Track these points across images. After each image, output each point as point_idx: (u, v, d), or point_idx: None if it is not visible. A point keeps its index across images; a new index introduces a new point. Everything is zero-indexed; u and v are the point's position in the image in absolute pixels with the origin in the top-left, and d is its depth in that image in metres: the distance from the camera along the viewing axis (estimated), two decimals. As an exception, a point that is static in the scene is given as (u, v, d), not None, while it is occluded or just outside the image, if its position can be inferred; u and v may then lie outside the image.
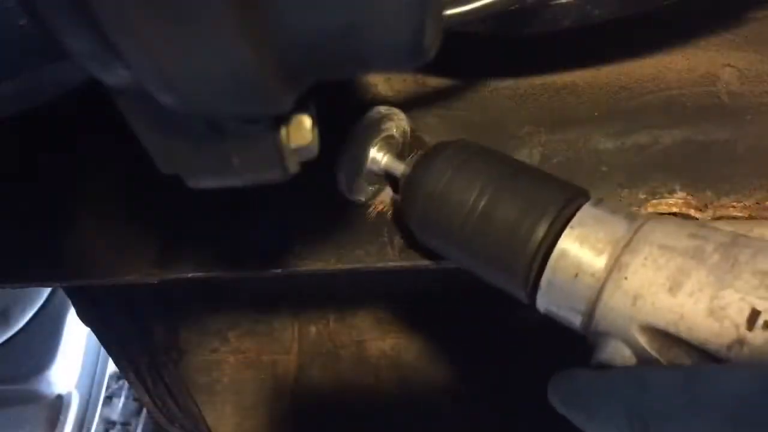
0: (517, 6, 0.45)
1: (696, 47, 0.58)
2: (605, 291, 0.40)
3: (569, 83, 0.60)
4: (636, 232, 0.41)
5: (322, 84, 0.29)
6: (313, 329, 1.05)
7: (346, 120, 0.54)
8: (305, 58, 0.25)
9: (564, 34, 0.50)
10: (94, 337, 1.05)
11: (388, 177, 0.57)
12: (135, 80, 0.26)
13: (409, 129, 0.58)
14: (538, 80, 0.60)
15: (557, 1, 0.47)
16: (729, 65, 0.57)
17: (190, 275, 0.61)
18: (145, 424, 1.80)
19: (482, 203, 0.46)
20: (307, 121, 0.32)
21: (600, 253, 0.41)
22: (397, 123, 0.56)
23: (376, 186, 0.59)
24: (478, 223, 0.46)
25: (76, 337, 1.66)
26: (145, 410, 1.61)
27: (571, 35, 0.50)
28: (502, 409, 0.94)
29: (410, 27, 0.24)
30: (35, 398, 1.60)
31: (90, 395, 1.73)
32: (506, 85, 0.61)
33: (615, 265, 0.40)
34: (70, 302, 1.02)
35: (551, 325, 0.45)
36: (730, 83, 0.57)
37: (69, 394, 1.66)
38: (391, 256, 0.59)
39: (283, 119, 0.32)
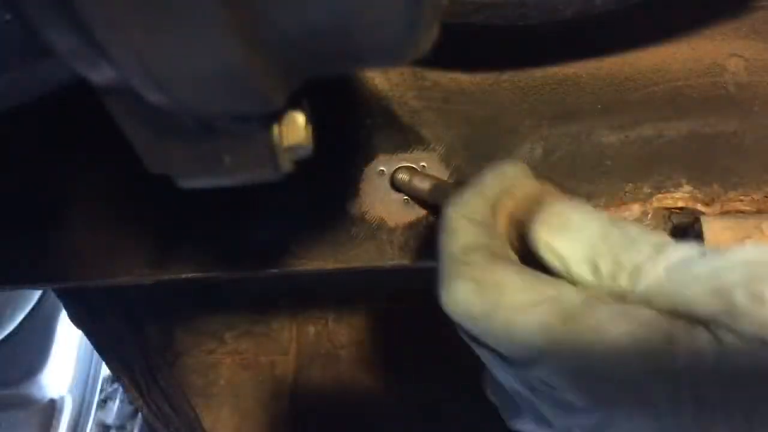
0: (518, -4, 0.44)
1: (701, 36, 0.57)
2: None
3: (571, 75, 0.58)
4: None
5: (316, 80, 0.28)
6: (311, 329, 1.04)
7: (344, 118, 0.53)
8: (297, 54, 0.25)
9: (566, 25, 0.48)
10: (87, 339, 1.04)
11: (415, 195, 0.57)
12: (122, 79, 0.25)
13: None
14: (539, 72, 0.59)
15: (558, -9, 0.46)
16: (736, 55, 0.56)
17: (185, 276, 0.61)
18: (141, 428, 1.80)
19: None
20: (300, 118, 0.32)
21: None
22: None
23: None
24: None
25: (69, 340, 1.65)
26: (140, 413, 1.60)
27: (573, 26, 0.49)
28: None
29: (405, 21, 0.24)
30: (27, 403, 1.59)
31: (84, 399, 1.72)
32: (506, 77, 0.59)
33: None
34: (61, 304, 1.01)
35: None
36: (736, 73, 0.56)
37: (62, 398, 1.65)
38: (390, 255, 0.58)
39: (276, 117, 0.31)
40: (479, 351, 0.41)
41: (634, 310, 0.36)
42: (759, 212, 0.52)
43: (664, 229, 0.55)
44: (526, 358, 0.37)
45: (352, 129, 0.60)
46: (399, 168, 0.57)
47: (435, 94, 0.60)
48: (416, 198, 0.57)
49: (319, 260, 0.59)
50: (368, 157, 0.59)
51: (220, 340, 1.06)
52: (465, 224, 0.40)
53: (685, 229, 0.53)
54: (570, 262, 0.39)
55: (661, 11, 0.56)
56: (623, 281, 0.37)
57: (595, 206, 0.55)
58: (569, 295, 0.37)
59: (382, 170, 0.58)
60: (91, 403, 1.75)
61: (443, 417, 1.00)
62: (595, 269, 0.38)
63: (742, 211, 0.53)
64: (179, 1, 0.20)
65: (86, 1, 0.20)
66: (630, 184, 0.55)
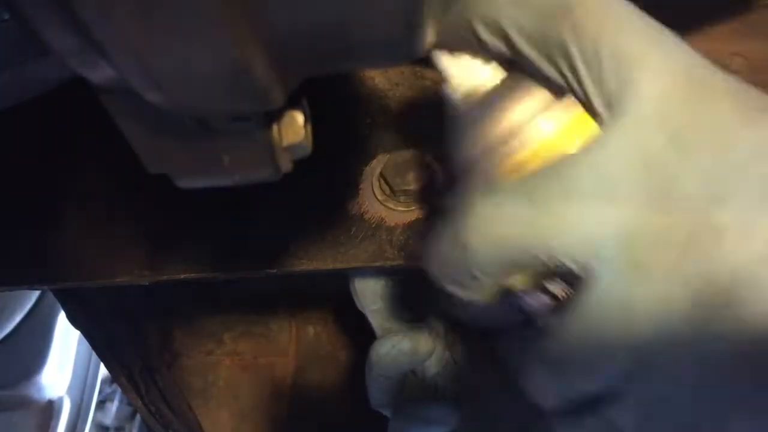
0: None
1: (702, 36, 0.56)
2: None
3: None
4: None
5: (316, 79, 0.28)
6: (311, 330, 1.04)
7: (343, 117, 0.53)
8: (296, 53, 0.25)
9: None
10: (85, 340, 1.04)
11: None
12: (121, 78, 0.25)
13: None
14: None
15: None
16: (737, 54, 0.56)
17: (182, 276, 0.60)
18: (139, 429, 1.80)
19: None
20: (299, 117, 0.32)
21: None
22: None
23: None
24: None
25: (67, 341, 1.64)
26: (139, 415, 1.61)
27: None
28: (502, 412, 0.94)
29: (404, 21, 0.24)
30: (25, 404, 1.58)
31: (82, 400, 1.72)
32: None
33: None
34: (60, 305, 1.00)
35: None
36: (738, 72, 0.55)
37: (60, 399, 1.64)
38: (389, 255, 0.57)
39: (275, 116, 0.31)
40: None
41: None
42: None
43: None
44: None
45: (352, 128, 0.59)
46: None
47: (435, 93, 0.59)
48: None
49: (318, 260, 0.58)
50: (368, 157, 0.59)
51: (219, 341, 1.06)
52: None
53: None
54: None
55: (662, 11, 0.56)
56: None
57: None
58: None
59: (382, 170, 0.57)
60: (89, 404, 1.74)
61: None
62: None
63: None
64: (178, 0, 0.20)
65: (84, 1, 0.20)
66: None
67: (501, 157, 0.35)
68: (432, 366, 0.67)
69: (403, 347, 0.64)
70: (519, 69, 0.37)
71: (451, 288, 0.37)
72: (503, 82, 0.37)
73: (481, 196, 0.35)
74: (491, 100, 0.37)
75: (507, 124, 0.35)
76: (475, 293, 0.36)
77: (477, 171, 0.37)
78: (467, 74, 0.39)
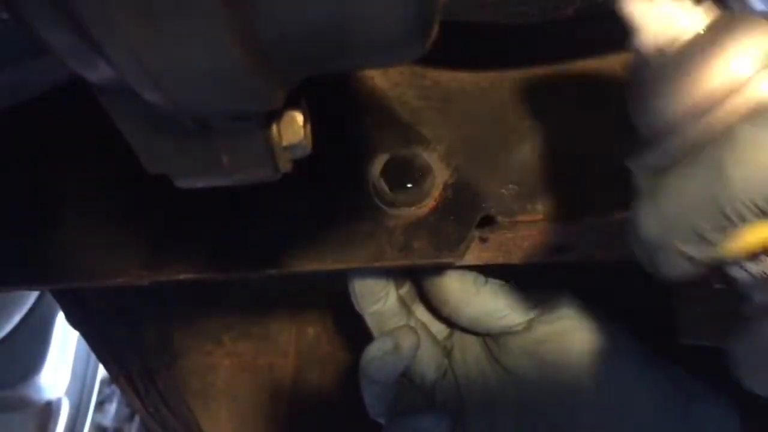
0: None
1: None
2: None
3: (574, 74, 0.58)
4: None
5: (315, 78, 0.28)
6: (311, 331, 1.03)
7: (343, 117, 0.53)
8: (296, 53, 0.25)
9: (568, 23, 0.48)
10: (84, 341, 1.04)
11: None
12: (119, 78, 0.25)
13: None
14: (541, 71, 0.58)
15: (560, -11, 0.46)
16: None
17: (181, 277, 0.60)
18: (138, 431, 1.79)
19: None
20: (298, 117, 0.32)
21: None
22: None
23: None
24: None
25: (66, 342, 1.64)
26: (138, 416, 1.60)
27: (576, 24, 0.49)
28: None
29: (404, 20, 0.23)
30: (24, 405, 1.58)
31: (81, 401, 1.71)
32: (508, 76, 0.59)
33: None
34: (58, 305, 1.00)
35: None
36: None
37: (59, 400, 1.64)
38: (389, 255, 0.57)
39: (274, 116, 0.31)
40: None
41: None
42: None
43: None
44: None
45: (352, 128, 0.59)
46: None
47: (435, 93, 0.59)
48: None
49: (318, 260, 0.58)
50: (367, 157, 0.59)
51: (219, 342, 1.05)
52: None
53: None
54: None
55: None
56: None
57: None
58: None
59: (382, 169, 0.57)
60: (88, 405, 1.74)
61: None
62: None
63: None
64: (176, -2, 0.20)
65: (83, 0, 0.20)
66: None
67: (726, 110, 0.31)
68: (429, 372, 0.66)
69: (386, 347, 0.63)
70: (726, 10, 0.33)
71: (680, 246, 0.32)
72: (710, 27, 0.33)
73: (747, 124, 0.30)
74: (701, 50, 0.32)
75: (728, 75, 0.31)
76: (712, 250, 0.31)
77: (692, 129, 0.32)
78: (666, 21, 0.34)
